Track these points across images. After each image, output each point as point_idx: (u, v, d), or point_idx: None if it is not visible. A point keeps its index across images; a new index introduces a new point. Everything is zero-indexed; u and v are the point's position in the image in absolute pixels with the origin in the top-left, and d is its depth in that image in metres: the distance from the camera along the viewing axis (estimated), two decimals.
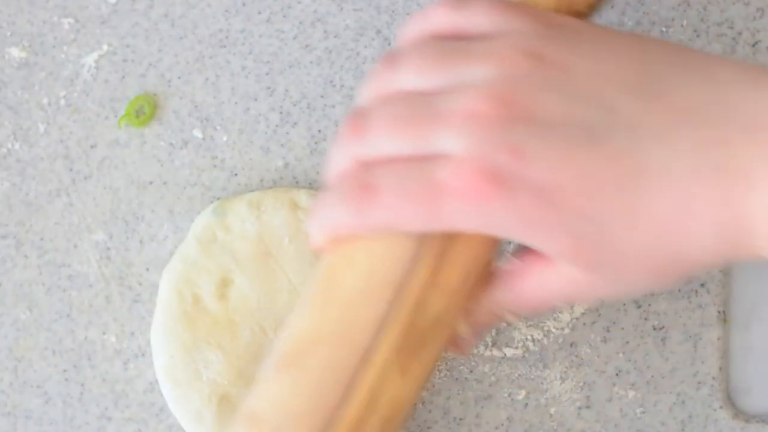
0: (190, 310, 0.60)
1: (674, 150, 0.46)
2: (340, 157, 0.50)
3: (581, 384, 0.60)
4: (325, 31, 0.62)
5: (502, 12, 0.49)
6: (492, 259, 0.51)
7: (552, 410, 0.60)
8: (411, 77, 0.49)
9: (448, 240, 0.49)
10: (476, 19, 0.50)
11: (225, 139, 0.62)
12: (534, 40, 0.48)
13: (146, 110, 0.61)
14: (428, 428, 0.60)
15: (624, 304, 0.60)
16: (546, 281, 0.49)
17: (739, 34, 0.61)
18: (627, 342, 0.60)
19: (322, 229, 0.50)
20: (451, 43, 0.49)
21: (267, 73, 0.62)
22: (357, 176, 0.48)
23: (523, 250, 0.50)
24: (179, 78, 0.62)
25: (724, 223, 0.46)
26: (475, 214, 0.47)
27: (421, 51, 0.49)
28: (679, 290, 0.60)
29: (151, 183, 0.61)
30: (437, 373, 0.60)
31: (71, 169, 0.62)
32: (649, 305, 0.60)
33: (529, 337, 0.60)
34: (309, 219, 0.51)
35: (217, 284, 0.60)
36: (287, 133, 0.62)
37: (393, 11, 0.62)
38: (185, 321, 0.60)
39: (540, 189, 0.46)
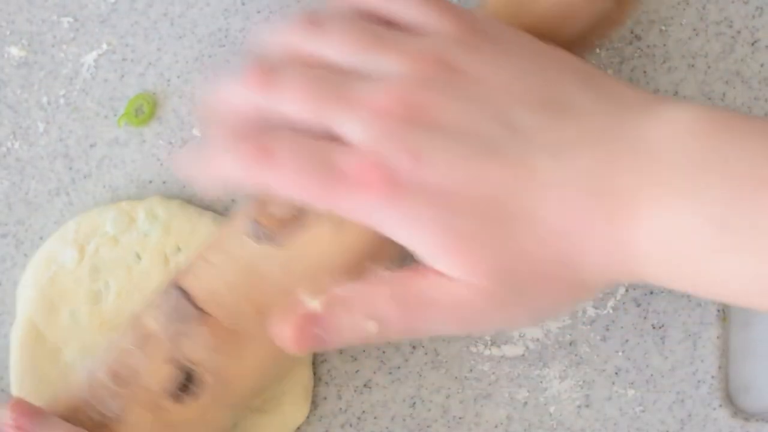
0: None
1: (568, 168, 0.47)
2: (240, 97, 0.51)
3: (581, 383, 0.60)
4: None
5: (429, 8, 0.50)
6: (377, 256, 0.52)
7: (551, 409, 0.60)
8: (330, 49, 0.50)
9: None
10: (404, 9, 0.51)
11: None
12: (452, 46, 0.49)
13: (146, 109, 0.61)
14: (427, 427, 0.60)
15: (624, 303, 0.60)
16: (433, 289, 0.48)
17: (738, 32, 0.61)
18: (626, 341, 0.60)
19: (210, 171, 0.51)
20: (375, 28, 0.50)
21: None
22: (256, 135, 0.49)
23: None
24: (179, 77, 0.62)
25: (612, 246, 0.47)
26: (364, 209, 0.48)
27: (347, 27, 0.50)
28: None
29: (150, 182, 0.61)
30: (436, 371, 0.60)
31: (71, 168, 0.62)
32: (649, 304, 0.60)
33: (528, 336, 0.60)
34: (192, 154, 0.52)
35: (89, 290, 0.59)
36: None
37: None
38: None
39: (433, 193, 0.47)
